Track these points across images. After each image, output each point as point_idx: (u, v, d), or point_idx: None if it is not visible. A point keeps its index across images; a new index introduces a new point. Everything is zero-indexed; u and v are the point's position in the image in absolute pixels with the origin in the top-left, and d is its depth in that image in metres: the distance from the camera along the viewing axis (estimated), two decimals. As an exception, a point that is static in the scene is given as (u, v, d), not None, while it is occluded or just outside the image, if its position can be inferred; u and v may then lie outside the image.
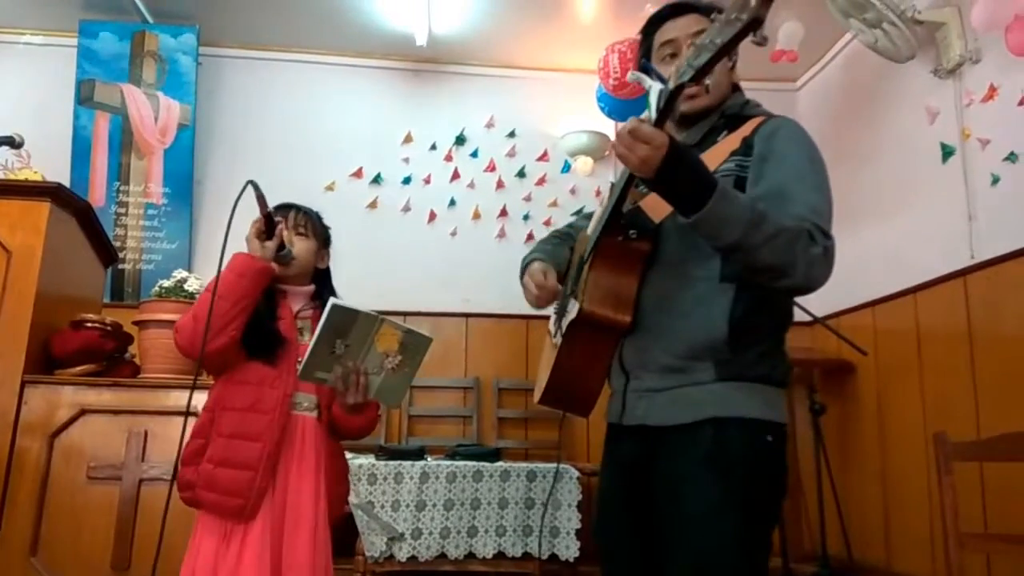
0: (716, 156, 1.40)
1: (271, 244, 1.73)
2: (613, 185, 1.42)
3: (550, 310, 1.64)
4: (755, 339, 1.36)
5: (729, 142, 1.42)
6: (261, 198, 1.73)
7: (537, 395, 1.58)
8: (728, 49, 1.08)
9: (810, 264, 1.26)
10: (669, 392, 1.37)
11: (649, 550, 1.40)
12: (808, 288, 1.31)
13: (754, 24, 1.02)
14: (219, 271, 1.68)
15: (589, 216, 1.63)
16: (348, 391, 1.67)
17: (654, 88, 1.23)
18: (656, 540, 1.38)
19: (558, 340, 1.49)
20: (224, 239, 1.67)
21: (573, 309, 1.43)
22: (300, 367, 1.65)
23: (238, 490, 1.63)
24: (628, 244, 1.40)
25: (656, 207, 1.40)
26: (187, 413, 1.70)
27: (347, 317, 1.61)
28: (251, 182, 1.69)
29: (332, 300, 1.60)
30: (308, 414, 1.76)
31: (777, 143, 1.37)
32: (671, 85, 1.17)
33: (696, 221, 1.22)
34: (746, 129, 1.42)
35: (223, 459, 1.66)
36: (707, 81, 1.18)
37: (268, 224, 1.75)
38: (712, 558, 1.27)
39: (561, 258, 1.65)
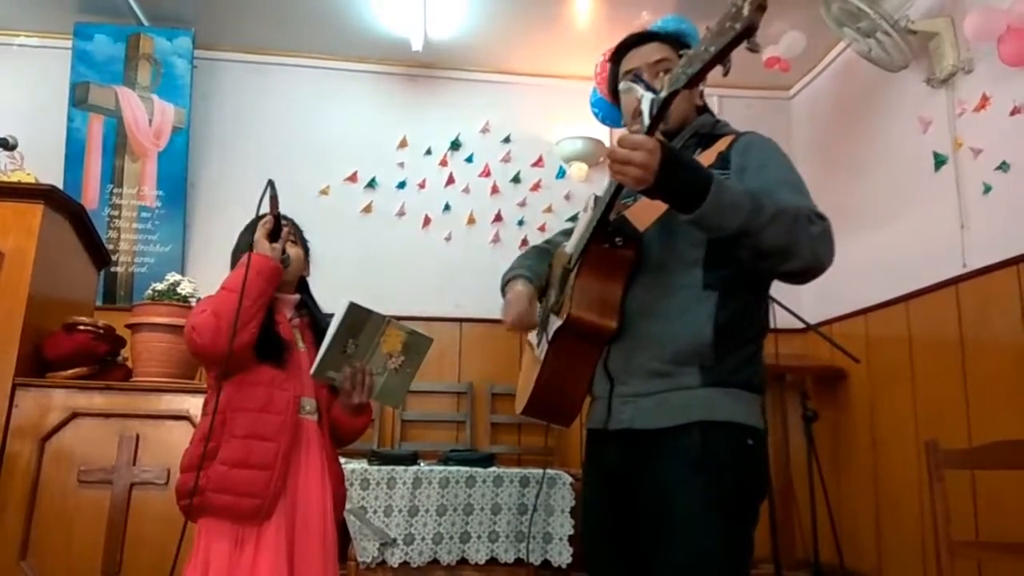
0: None
1: (278, 245, 1.77)
2: (597, 198, 1.44)
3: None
4: (738, 345, 1.39)
5: (705, 158, 1.46)
6: (274, 199, 1.76)
7: (519, 405, 1.59)
8: (721, 57, 1.10)
9: (814, 241, 1.30)
10: (655, 396, 1.40)
11: (634, 554, 1.41)
12: (816, 267, 1.32)
13: (748, 32, 1.04)
14: (247, 269, 1.68)
15: (567, 232, 1.66)
16: (355, 391, 1.72)
17: (645, 97, 1.24)
18: (642, 543, 1.39)
19: (542, 352, 1.50)
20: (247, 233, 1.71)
21: (557, 320, 1.44)
22: (313, 365, 1.69)
23: (255, 490, 1.62)
24: (614, 252, 1.43)
25: (641, 216, 1.44)
26: (215, 413, 1.65)
27: (361, 316, 1.67)
28: (271, 182, 1.74)
29: (348, 300, 1.64)
30: (310, 418, 1.78)
31: (753, 155, 1.43)
32: (664, 93, 1.19)
33: (699, 215, 1.24)
34: (720, 145, 1.48)
35: (239, 460, 1.64)
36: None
37: (275, 226, 1.78)
38: (703, 558, 1.30)
39: (542, 273, 1.67)
